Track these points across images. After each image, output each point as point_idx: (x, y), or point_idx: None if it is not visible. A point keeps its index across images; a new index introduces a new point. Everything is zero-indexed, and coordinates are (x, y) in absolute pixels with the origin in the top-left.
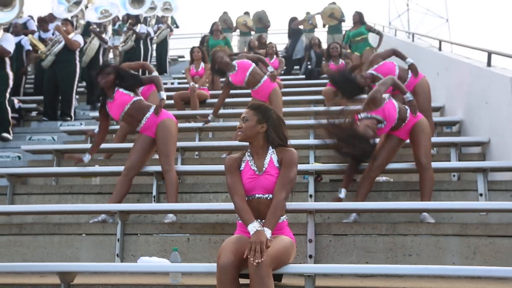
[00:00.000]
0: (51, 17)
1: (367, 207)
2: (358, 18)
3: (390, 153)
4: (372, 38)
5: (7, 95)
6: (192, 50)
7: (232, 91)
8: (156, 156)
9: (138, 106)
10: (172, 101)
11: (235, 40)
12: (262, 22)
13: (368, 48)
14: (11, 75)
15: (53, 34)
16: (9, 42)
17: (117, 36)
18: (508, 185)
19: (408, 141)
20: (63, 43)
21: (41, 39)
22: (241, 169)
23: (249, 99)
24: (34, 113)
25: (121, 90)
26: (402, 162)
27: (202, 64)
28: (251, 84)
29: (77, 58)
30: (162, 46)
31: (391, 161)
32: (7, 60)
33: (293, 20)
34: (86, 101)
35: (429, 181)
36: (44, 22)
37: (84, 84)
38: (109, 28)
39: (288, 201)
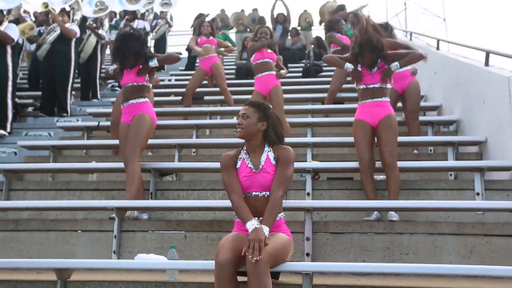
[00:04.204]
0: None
1: (365, 206)
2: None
3: (371, 144)
4: None
5: (9, 88)
6: (201, 24)
7: (229, 89)
8: (150, 153)
9: (141, 89)
10: (167, 98)
11: (231, 37)
12: (255, 22)
13: None
14: (11, 66)
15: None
16: (14, 31)
17: (114, 31)
18: (505, 185)
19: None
20: (58, 31)
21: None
22: (237, 167)
23: (247, 96)
24: (30, 109)
25: (141, 67)
26: (399, 160)
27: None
28: (257, 70)
29: (73, 50)
30: (160, 42)
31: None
32: (9, 50)
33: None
34: (81, 97)
35: (394, 180)
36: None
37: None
38: (106, 22)
39: (285, 199)
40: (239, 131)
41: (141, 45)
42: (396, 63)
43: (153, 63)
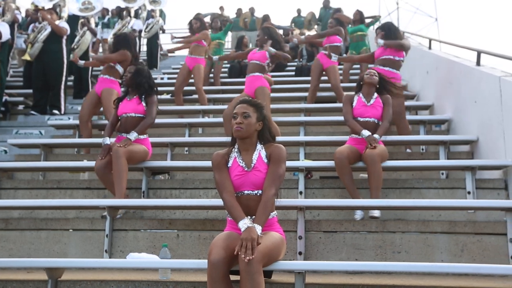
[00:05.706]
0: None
1: (357, 204)
2: (359, 17)
3: (351, 157)
4: (371, 41)
5: None
6: None
7: (222, 87)
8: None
9: (138, 122)
10: (160, 96)
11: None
12: (252, 11)
13: (365, 48)
14: None
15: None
16: (5, 29)
17: (106, 29)
18: (496, 183)
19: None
20: (48, 30)
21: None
22: (229, 165)
23: (238, 95)
24: (21, 107)
25: (142, 100)
26: (391, 160)
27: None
28: (248, 70)
29: (65, 48)
30: (153, 40)
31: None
32: None
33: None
34: (73, 96)
35: (375, 176)
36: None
37: (72, 77)
38: (92, 21)
39: (277, 197)
40: (240, 130)
41: (147, 80)
42: (378, 135)
43: (133, 136)
